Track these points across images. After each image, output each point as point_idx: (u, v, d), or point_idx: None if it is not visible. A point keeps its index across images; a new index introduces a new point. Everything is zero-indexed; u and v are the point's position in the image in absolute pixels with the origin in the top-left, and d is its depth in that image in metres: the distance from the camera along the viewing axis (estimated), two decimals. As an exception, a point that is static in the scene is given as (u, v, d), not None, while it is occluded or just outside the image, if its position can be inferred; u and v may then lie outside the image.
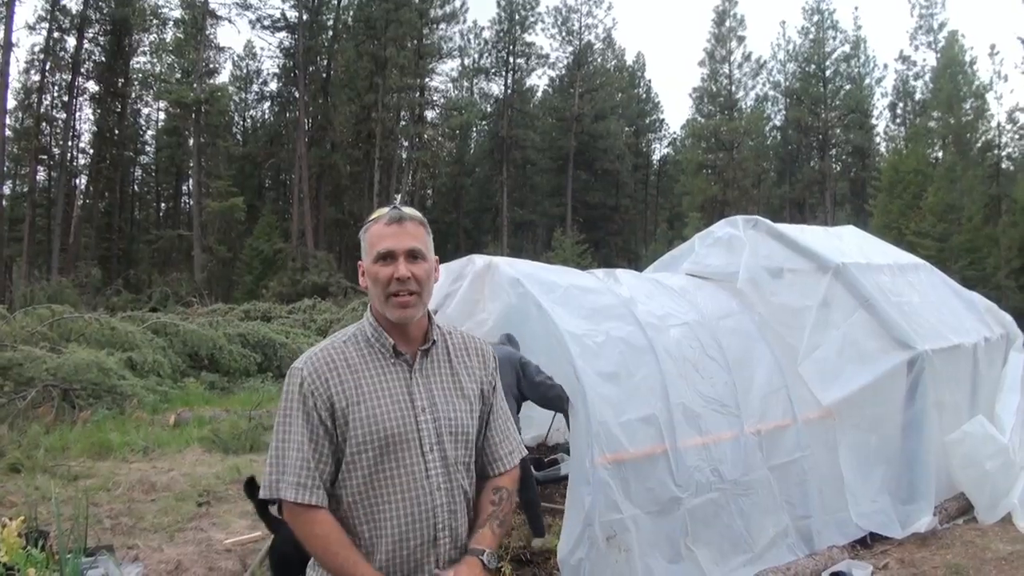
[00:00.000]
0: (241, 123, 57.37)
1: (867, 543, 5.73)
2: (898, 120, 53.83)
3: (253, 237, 42.94)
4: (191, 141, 44.55)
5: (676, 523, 4.54)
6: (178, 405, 12.46)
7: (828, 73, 52.74)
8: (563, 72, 57.17)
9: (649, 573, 4.31)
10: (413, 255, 2.07)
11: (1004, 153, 43.03)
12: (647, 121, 64.30)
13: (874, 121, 54.30)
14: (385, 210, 2.11)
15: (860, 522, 5.76)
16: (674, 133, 65.58)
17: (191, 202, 47.08)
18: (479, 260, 5.40)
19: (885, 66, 71.06)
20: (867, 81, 53.48)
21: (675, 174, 59.34)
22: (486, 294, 5.21)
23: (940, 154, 43.03)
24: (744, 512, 4.98)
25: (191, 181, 46.82)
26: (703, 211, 46.16)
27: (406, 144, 50.12)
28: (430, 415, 2.07)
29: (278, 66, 51.71)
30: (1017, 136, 41.64)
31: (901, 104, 53.05)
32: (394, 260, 2.05)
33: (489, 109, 57.77)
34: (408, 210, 2.11)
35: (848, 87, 52.52)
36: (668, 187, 61.56)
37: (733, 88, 54.33)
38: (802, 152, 54.87)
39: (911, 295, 7.00)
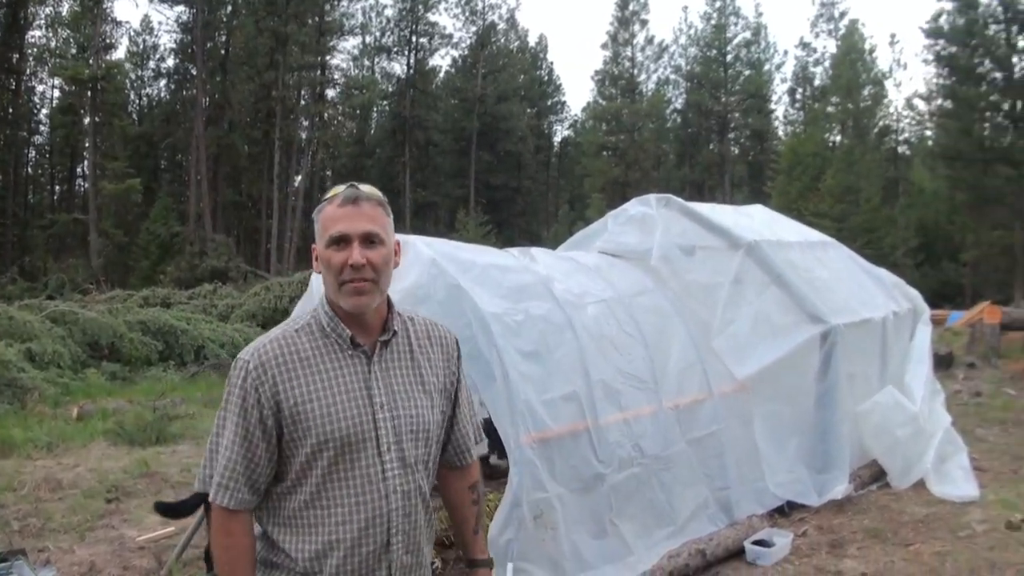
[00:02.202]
0: (137, 102, 55.22)
1: (785, 512, 5.84)
2: (797, 105, 55.70)
3: (150, 221, 41.46)
4: (87, 120, 42.76)
5: (600, 499, 4.52)
6: (80, 397, 11.88)
7: (729, 58, 54.07)
8: (466, 53, 57.04)
9: (575, 550, 4.28)
10: (369, 239, 1.89)
11: (902, 138, 45.07)
12: (549, 103, 64.76)
13: (773, 106, 56.08)
14: (341, 188, 1.93)
15: (777, 491, 5.87)
16: (576, 115, 66.28)
17: (86, 184, 45.25)
18: (393, 239, 5.24)
19: (785, 52, 73.48)
20: (767, 67, 55.12)
21: (576, 156, 59.99)
22: (399, 272, 5.04)
23: (838, 138, 44.76)
24: (665, 486, 5.00)
25: (86, 162, 45.07)
26: (605, 192, 46.87)
27: (306, 124, 49.07)
28: (389, 412, 1.91)
29: (175, 41, 50.17)
30: (914, 122, 43.64)
31: (800, 89, 54.90)
32: (348, 245, 1.87)
33: (391, 89, 57.02)
34: (366, 188, 1.93)
35: (748, 72, 53.98)
36: (569, 169, 62.08)
37: (635, 71, 55.20)
38: (702, 135, 56.15)
39: (821, 271, 7.18)
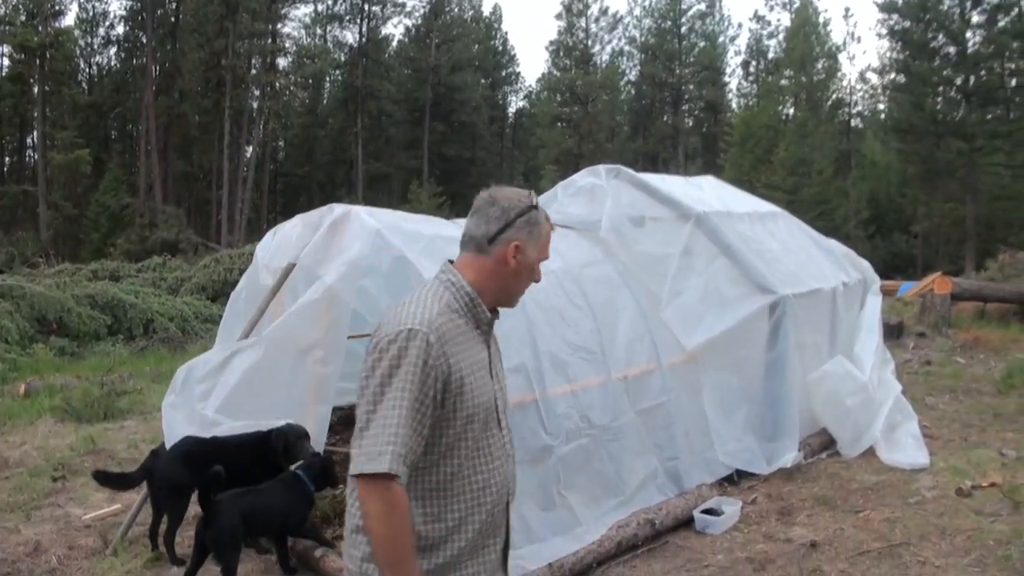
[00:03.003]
0: (87, 71, 53.67)
1: (734, 480, 5.89)
2: (750, 78, 56.03)
3: (100, 192, 40.49)
4: (35, 89, 41.68)
5: (548, 471, 4.50)
6: (28, 374, 11.57)
7: (683, 30, 54.09)
8: (419, 22, 56.26)
9: (524, 523, 4.25)
10: None
11: (855, 111, 45.58)
12: (503, 74, 64.28)
13: (727, 78, 56.30)
14: (536, 197, 2.20)
15: (726, 460, 5.91)
16: (530, 87, 65.96)
17: (35, 155, 43.96)
18: (337, 209, 5.10)
19: (739, 25, 73.66)
20: (721, 39, 55.25)
21: (531, 127, 59.85)
22: (343, 244, 4.92)
23: (792, 111, 45.14)
24: (614, 456, 5.00)
25: (35, 132, 43.77)
26: (559, 164, 46.80)
27: (257, 94, 48.16)
28: (499, 386, 2.16)
29: (125, 8, 48.79)
30: (867, 95, 44.15)
31: (754, 62, 55.20)
32: None
33: (343, 58, 56.13)
34: None
35: (702, 44, 54.09)
36: (524, 140, 61.88)
37: (589, 42, 54.99)
38: (656, 107, 56.22)
39: (771, 242, 7.20)
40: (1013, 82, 30.82)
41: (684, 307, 6.22)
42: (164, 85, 44.49)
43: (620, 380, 5.28)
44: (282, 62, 50.56)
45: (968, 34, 31.61)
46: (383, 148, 55.11)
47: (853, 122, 45.75)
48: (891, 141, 35.40)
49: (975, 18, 31.55)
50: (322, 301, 4.85)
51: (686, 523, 5.18)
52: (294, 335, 4.98)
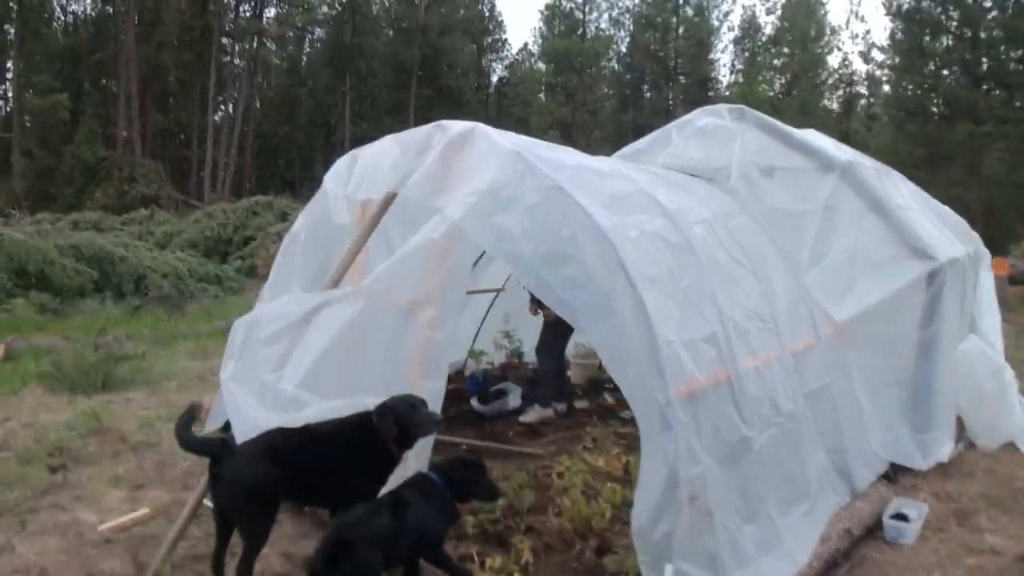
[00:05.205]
0: (64, 18, 51.24)
1: (890, 476, 4.99)
2: (746, 52, 55.10)
3: (75, 144, 38.41)
4: (12, 31, 39.58)
5: (747, 472, 3.49)
6: (7, 332, 10.29)
7: (679, 2, 53.06)
8: (409, -21, 54.38)
9: (730, 539, 3.27)
10: None
11: (856, 91, 44.84)
12: (490, 40, 62.60)
13: (718, 54, 55.33)
14: None
15: (882, 453, 5.01)
16: (516, 55, 64.42)
17: (11, 103, 41.85)
18: (454, 126, 4.03)
19: (734, 0, 72.96)
20: (715, 13, 54.29)
21: (513, 97, 58.43)
22: (464, 170, 3.84)
23: (789, 90, 44.31)
24: (798, 451, 4.03)
25: (11, 76, 41.52)
26: (551, 133, 45.64)
27: (244, 48, 46.23)
28: None
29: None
30: (868, 75, 43.31)
31: (748, 39, 54.26)
32: None
33: (332, 13, 54.15)
34: None
35: (697, 18, 53.07)
36: (507, 109, 60.29)
37: (587, 9, 53.79)
38: (648, 79, 55.19)
39: (902, 201, 6.26)
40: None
41: (829, 272, 5.27)
42: (144, 34, 42.28)
43: (792, 356, 4.29)
44: (269, 14, 48.53)
45: (979, 14, 30.76)
46: (368, 111, 53.44)
47: (855, 103, 44.97)
48: (897, 123, 34.49)
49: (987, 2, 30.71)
50: (440, 243, 3.77)
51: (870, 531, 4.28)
52: (397, 288, 3.90)
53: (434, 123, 4.18)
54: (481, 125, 3.99)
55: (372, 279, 3.86)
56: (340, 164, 4.67)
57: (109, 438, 5.91)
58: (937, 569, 3.91)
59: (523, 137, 4.20)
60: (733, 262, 4.34)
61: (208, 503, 3.71)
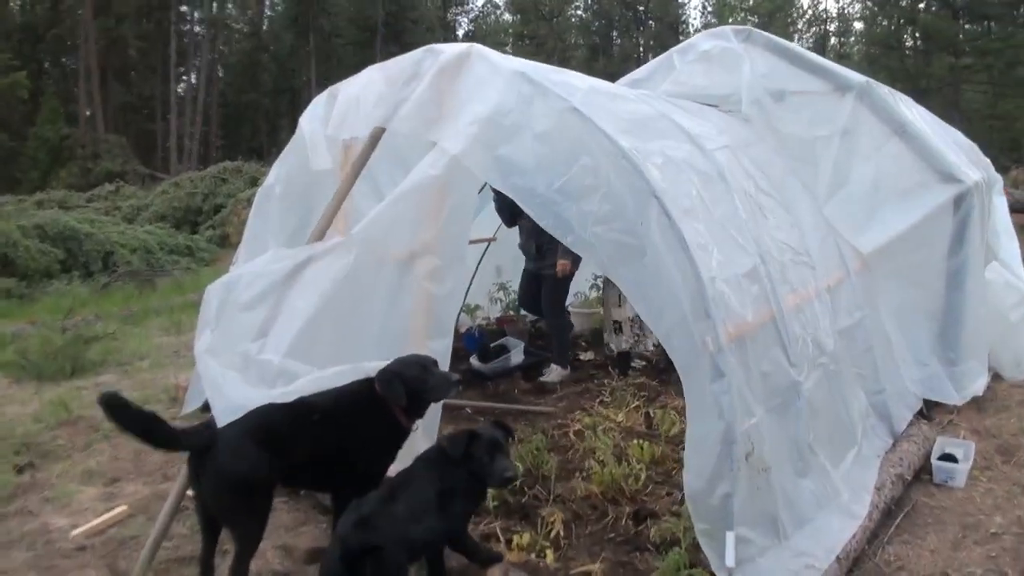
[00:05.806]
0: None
1: (924, 414, 4.67)
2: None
3: (38, 125, 37.02)
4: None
5: (799, 419, 3.13)
6: (-30, 323, 9.70)
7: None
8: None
9: (785, 496, 2.91)
10: None
11: (832, 28, 44.30)
12: (454, -7, 61.32)
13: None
14: None
15: (916, 389, 4.71)
16: (481, 7, 63.17)
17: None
18: (447, 48, 3.56)
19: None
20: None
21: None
22: (462, 97, 3.37)
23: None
24: (841, 393, 3.67)
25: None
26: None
27: (202, 16, 44.82)
28: None
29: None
30: (844, 10, 42.74)
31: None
32: None
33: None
34: None
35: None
36: (473, 67, 59.28)
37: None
38: (619, 26, 54.35)
39: (920, 124, 5.88)
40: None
41: (851, 201, 4.92)
42: (102, 6, 40.69)
43: (826, 291, 3.92)
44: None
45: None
46: (333, 70, 52.09)
47: (832, 41, 44.53)
48: (871, 59, 34.09)
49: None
50: (438, 181, 3.33)
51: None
52: (392, 235, 3.46)
53: (423, 47, 3.72)
54: (478, 45, 3.53)
55: (363, 226, 3.41)
56: (317, 103, 4.20)
57: (80, 428, 5.38)
58: (997, 512, 3.60)
59: (518, 59, 3.74)
60: (761, 192, 3.94)
61: (192, 494, 3.24)
